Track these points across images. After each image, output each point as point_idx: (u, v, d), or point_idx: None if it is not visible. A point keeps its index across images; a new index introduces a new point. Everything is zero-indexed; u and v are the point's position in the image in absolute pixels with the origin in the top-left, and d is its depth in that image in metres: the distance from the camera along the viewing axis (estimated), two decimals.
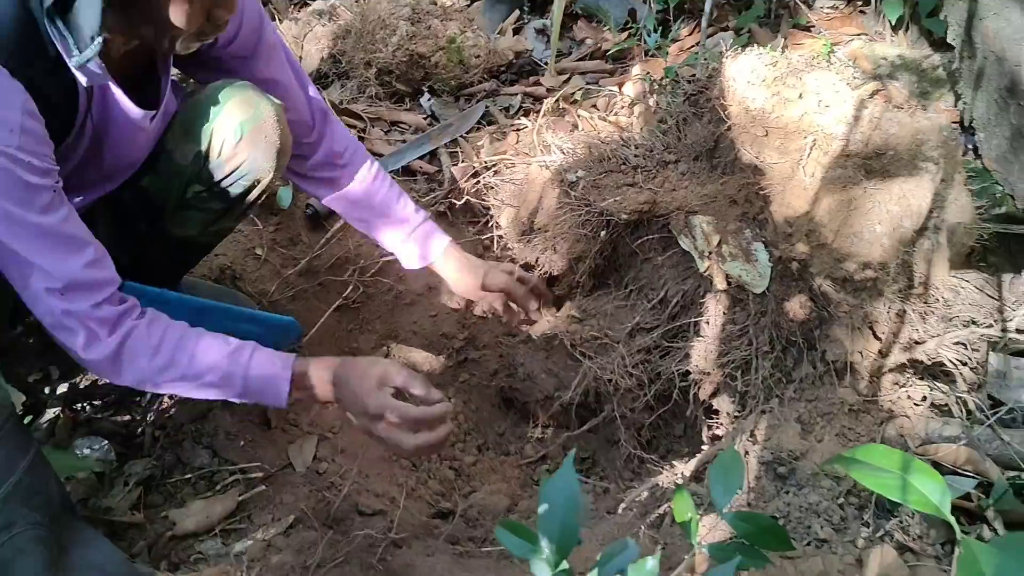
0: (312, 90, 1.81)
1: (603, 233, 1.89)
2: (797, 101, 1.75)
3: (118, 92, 1.44)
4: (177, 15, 1.28)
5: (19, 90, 1.21)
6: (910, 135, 1.66)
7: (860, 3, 2.77)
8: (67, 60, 1.26)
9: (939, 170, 1.63)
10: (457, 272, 1.88)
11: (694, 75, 2.12)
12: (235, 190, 1.69)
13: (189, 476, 1.77)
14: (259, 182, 1.70)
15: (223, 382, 1.43)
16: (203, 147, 1.61)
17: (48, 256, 1.27)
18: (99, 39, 1.21)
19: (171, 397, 1.91)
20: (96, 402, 1.93)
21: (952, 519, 0.90)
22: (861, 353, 1.70)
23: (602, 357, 1.94)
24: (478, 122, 2.67)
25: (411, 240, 1.86)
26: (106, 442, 1.82)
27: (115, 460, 1.80)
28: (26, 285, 1.29)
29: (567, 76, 2.85)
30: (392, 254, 1.93)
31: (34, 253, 1.26)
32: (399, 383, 1.45)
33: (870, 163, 1.66)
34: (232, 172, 1.65)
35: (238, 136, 1.60)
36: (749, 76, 1.82)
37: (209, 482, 1.77)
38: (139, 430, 1.87)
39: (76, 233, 1.32)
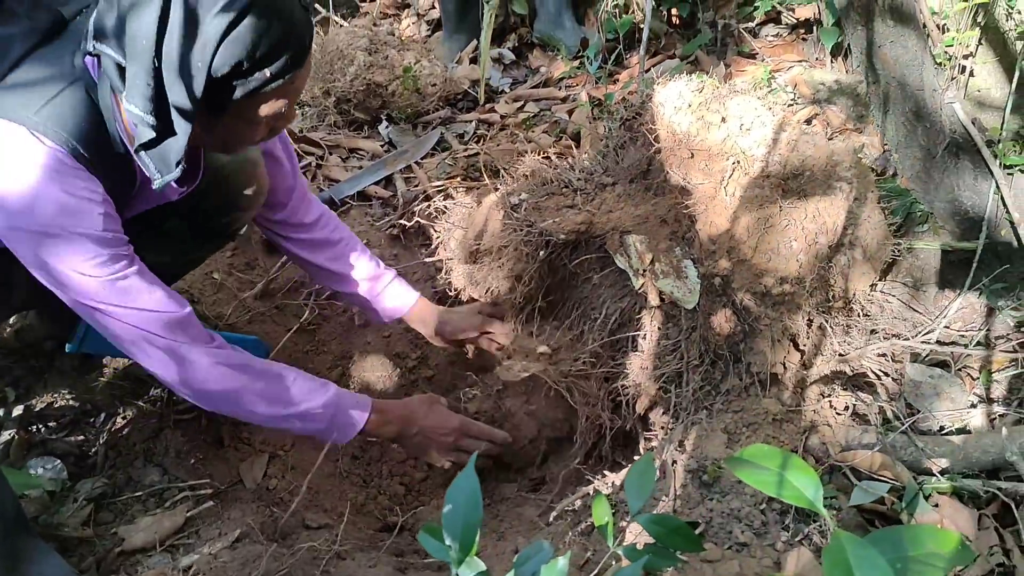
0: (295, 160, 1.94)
1: (541, 253, 1.96)
2: (720, 125, 1.83)
3: None
4: (253, 134, 1.43)
5: (98, 182, 1.38)
6: (825, 156, 1.74)
7: (802, 31, 2.87)
8: (143, 176, 1.48)
9: (852, 189, 1.71)
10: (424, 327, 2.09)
11: (632, 102, 2.20)
12: (212, 226, 1.78)
13: (139, 493, 1.82)
14: (236, 220, 1.77)
15: (309, 428, 1.71)
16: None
17: (132, 306, 1.46)
18: (182, 165, 1.34)
19: (124, 417, 1.97)
20: (51, 423, 1.98)
21: (825, 512, 0.96)
22: (784, 365, 1.77)
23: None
24: (433, 148, 2.75)
25: (382, 295, 2.04)
26: (59, 462, 1.87)
27: (67, 479, 1.85)
28: (117, 336, 1.49)
29: (522, 103, 2.94)
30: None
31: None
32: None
33: (788, 183, 1.74)
34: (210, 210, 1.73)
35: (218, 177, 1.68)
36: (676, 101, 1.90)
37: (159, 499, 1.82)
38: (92, 450, 1.92)
39: (149, 281, 1.51)
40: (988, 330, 1.86)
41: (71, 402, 2.01)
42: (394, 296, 2.05)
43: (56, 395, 2.02)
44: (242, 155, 1.70)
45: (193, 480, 1.86)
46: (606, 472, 1.76)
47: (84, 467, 1.90)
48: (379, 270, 2.04)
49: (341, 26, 3.23)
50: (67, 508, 1.76)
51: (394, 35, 3.04)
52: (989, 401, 1.72)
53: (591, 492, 1.72)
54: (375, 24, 3.16)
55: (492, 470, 2.07)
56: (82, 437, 1.96)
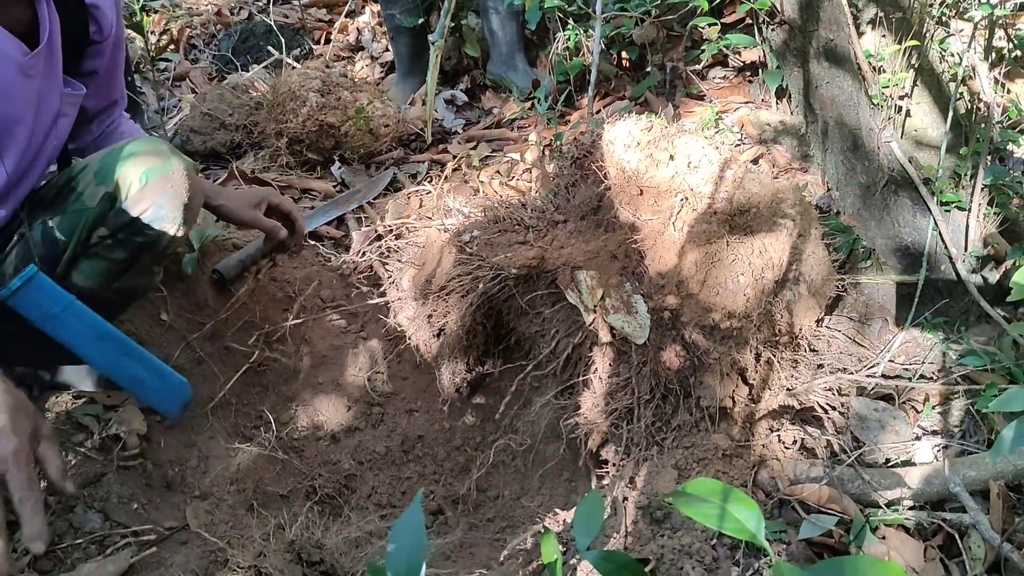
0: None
1: (481, 286, 1.96)
2: (668, 163, 1.86)
3: None
4: None
5: None
6: (770, 193, 1.78)
7: (748, 73, 2.94)
8: None
9: (796, 226, 1.74)
10: None
11: (582, 141, 2.23)
12: (139, 239, 1.75)
13: (80, 541, 1.76)
14: (163, 235, 1.75)
15: None
16: (110, 189, 1.69)
17: None
18: None
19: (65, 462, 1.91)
20: None
21: (766, 544, 0.97)
22: (733, 399, 1.78)
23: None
24: (385, 188, 2.76)
25: None
26: None
27: (6, 528, 1.79)
28: None
29: (474, 143, 2.96)
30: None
31: None
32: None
33: (734, 219, 1.77)
34: (136, 219, 1.71)
35: (144, 182, 1.68)
36: (626, 140, 1.93)
37: (100, 546, 1.76)
38: None
39: None
40: (931, 363, 1.89)
41: None
42: None
43: None
44: (170, 163, 1.70)
45: (136, 526, 1.81)
46: (557, 510, 1.75)
47: None
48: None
49: (294, 68, 3.25)
50: None
51: (347, 77, 3.05)
52: (932, 433, 1.75)
53: (542, 530, 1.71)
54: (328, 66, 3.17)
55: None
56: None
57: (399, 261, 2.38)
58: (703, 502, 1.03)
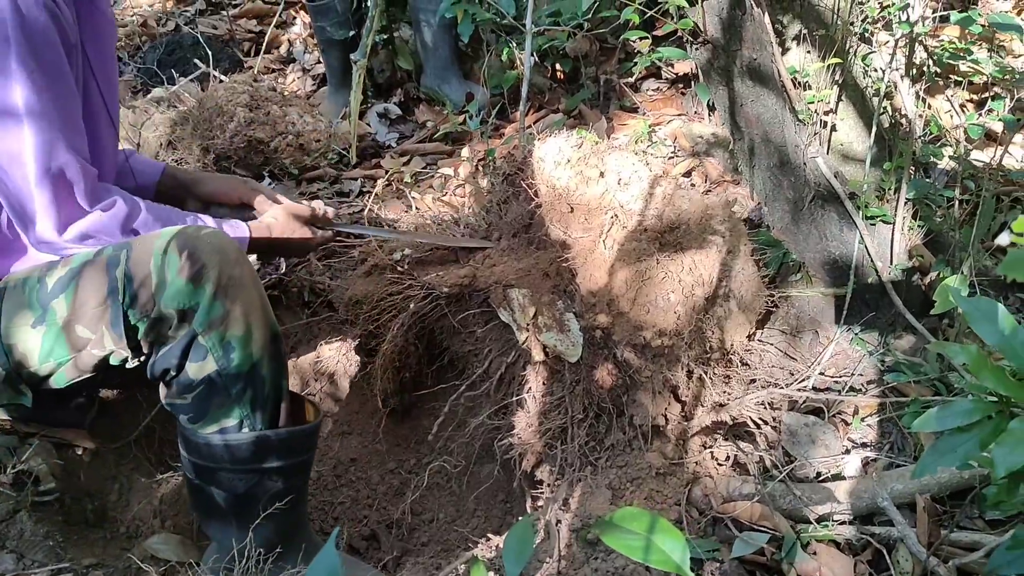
0: None
1: (413, 305, 1.93)
2: (599, 179, 1.85)
3: None
4: None
5: None
6: (700, 210, 1.78)
7: (681, 86, 2.95)
8: None
9: (725, 243, 1.75)
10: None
11: (514, 157, 2.21)
12: None
13: None
14: None
15: None
16: None
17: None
18: None
19: None
20: None
21: (691, 575, 0.95)
22: (666, 417, 1.77)
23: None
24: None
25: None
26: None
27: None
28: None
29: (408, 158, 2.92)
30: None
31: None
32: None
33: (664, 236, 1.76)
34: None
35: None
36: (556, 156, 1.92)
37: None
38: None
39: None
40: (860, 375, 1.91)
41: None
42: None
43: None
44: None
45: (53, 564, 1.73)
46: (490, 535, 1.72)
47: None
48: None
49: (221, 81, 3.17)
50: None
51: (276, 91, 2.99)
52: (862, 446, 1.76)
53: (476, 556, 1.68)
54: (256, 79, 3.10)
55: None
56: None
57: (329, 280, 2.33)
58: (629, 534, 1.01)
